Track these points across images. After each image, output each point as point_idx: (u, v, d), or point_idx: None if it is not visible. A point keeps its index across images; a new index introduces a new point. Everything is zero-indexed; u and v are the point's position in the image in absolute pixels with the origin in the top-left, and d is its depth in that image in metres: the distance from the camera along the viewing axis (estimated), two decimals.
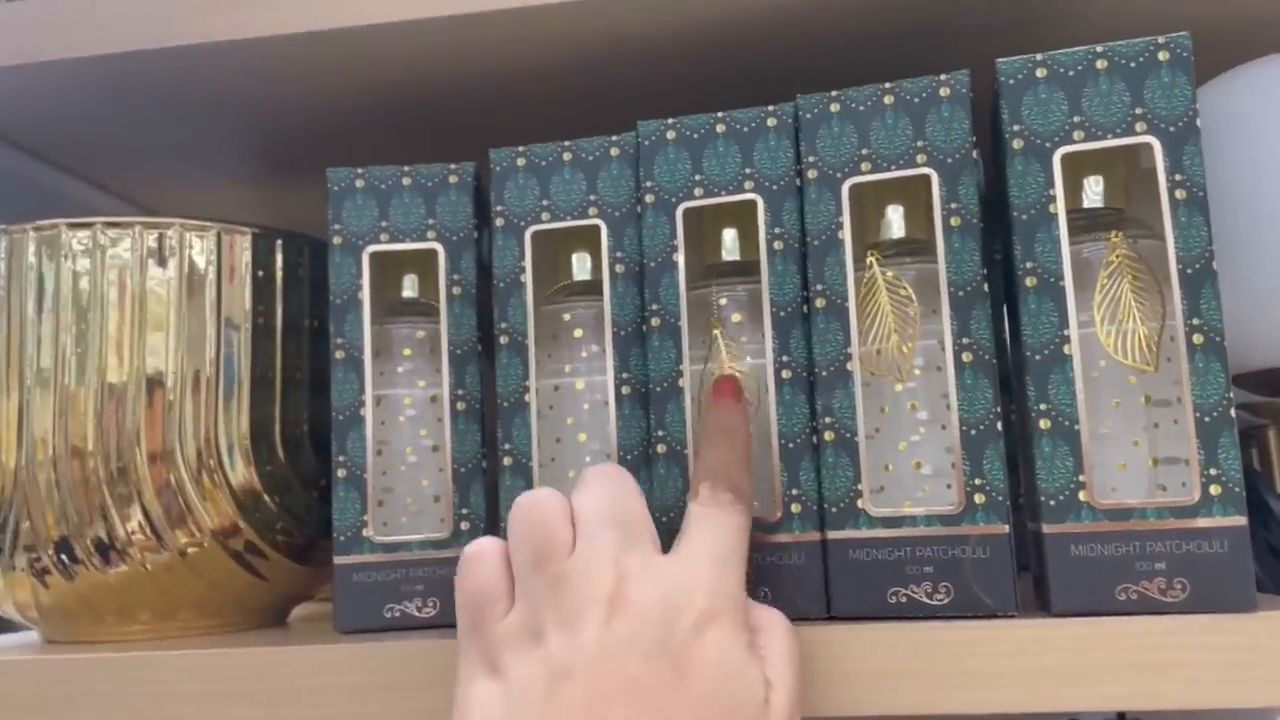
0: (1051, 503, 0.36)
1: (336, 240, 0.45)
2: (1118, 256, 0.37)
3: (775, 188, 0.41)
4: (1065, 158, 0.37)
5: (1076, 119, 0.37)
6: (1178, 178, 0.36)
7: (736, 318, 0.42)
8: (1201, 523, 0.35)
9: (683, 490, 0.40)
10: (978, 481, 0.37)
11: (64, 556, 0.44)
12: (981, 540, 0.37)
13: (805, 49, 0.48)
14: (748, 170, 0.41)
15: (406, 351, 0.47)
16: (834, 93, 0.40)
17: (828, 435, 0.39)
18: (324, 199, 0.46)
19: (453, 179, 0.46)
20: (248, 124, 0.54)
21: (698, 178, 0.42)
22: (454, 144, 0.55)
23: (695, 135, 0.42)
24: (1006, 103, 0.38)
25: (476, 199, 0.46)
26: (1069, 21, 0.46)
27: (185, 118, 0.53)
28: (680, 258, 0.41)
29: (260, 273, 0.48)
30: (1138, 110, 0.37)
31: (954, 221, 0.38)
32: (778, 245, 0.40)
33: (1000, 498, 0.37)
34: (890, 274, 0.40)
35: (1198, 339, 0.35)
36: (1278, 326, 0.42)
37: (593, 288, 0.44)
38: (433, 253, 0.46)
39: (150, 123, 0.53)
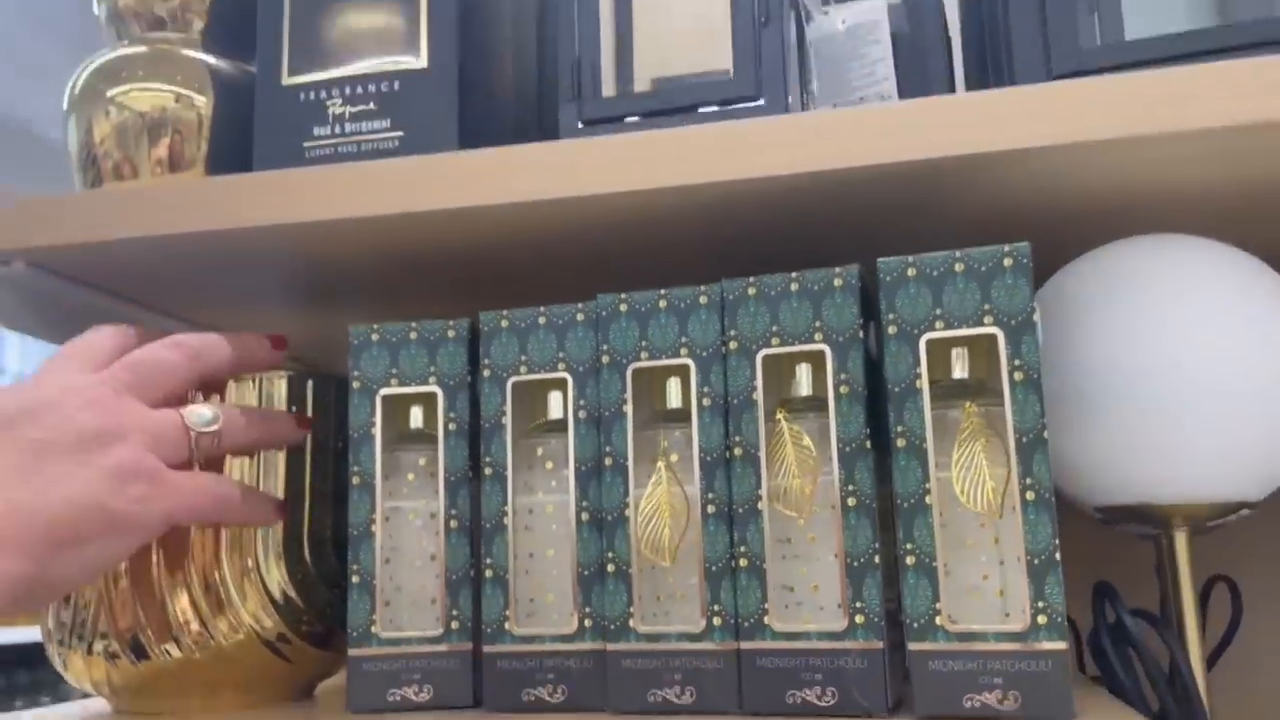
0: (915, 625, 0.45)
1: (355, 385, 0.56)
2: (972, 422, 0.46)
3: (704, 354, 0.50)
4: (931, 341, 0.46)
5: (938, 310, 0.46)
6: (1016, 363, 0.45)
7: (674, 457, 0.51)
8: (1031, 646, 0.43)
9: (627, 605, 0.49)
10: (858, 604, 0.46)
11: (131, 645, 0.54)
12: (861, 653, 0.45)
13: (724, 237, 0.57)
14: (683, 339, 0.50)
15: (411, 476, 0.56)
16: (750, 279, 0.50)
17: (742, 561, 0.48)
18: (340, 324, 0.56)
19: (450, 333, 0.56)
20: (291, 277, 0.65)
21: (644, 343, 0.51)
22: (456, 299, 0.65)
23: (643, 308, 0.51)
24: (884, 295, 0.47)
25: (470, 350, 0.56)
26: (942, 213, 0.55)
27: (242, 271, 0.63)
28: (629, 408, 0.51)
29: (294, 407, 0.58)
30: (986, 306, 0.45)
31: (843, 390, 0.47)
32: (706, 401, 0.50)
33: (876, 619, 0.46)
34: (795, 427, 0.49)
35: (1030, 495, 0.44)
36: (1133, 468, 0.50)
37: (562, 426, 0.53)
38: (434, 394, 0.55)
39: (211, 271, 0.64)
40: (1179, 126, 0.45)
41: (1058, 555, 0.43)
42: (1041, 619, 0.43)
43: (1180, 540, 0.52)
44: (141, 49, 0.64)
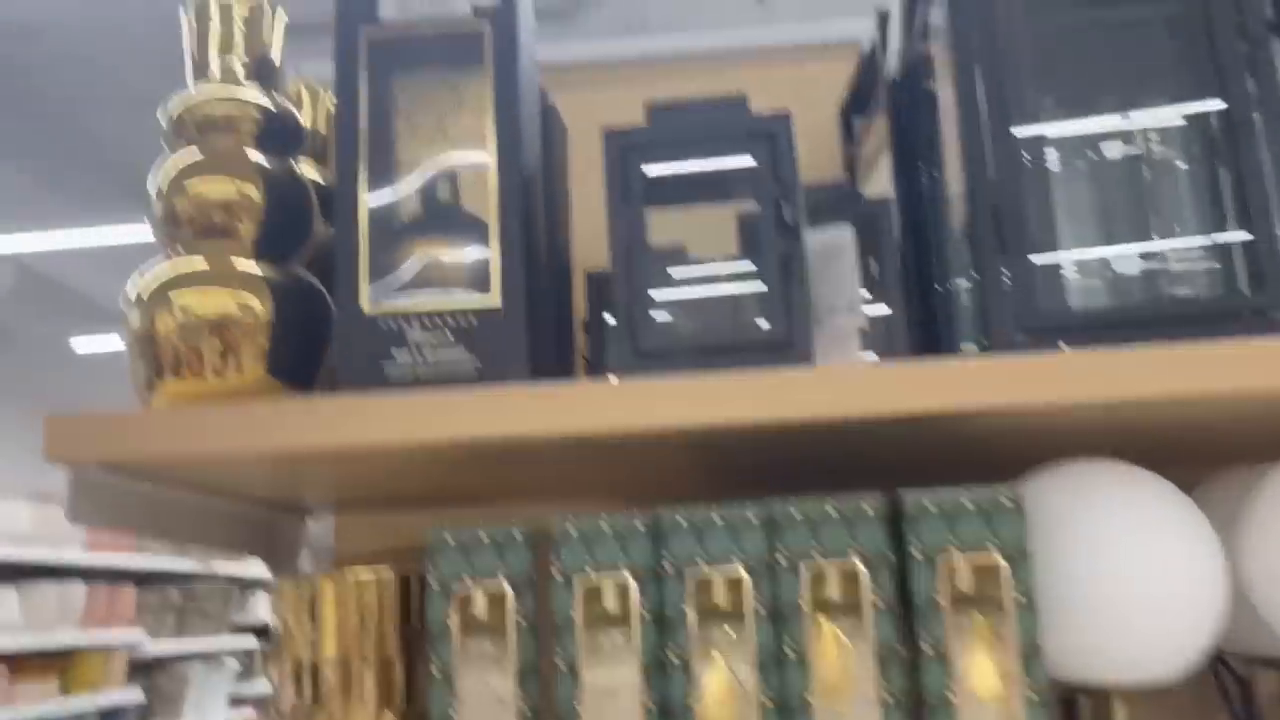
0: None
1: (435, 586, 0.62)
2: (981, 633, 0.58)
3: (756, 565, 0.60)
4: (948, 564, 0.58)
5: (953, 539, 0.58)
6: (1016, 587, 0.57)
7: (730, 655, 0.61)
8: None
9: None
10: None
11: None
12: None
13: (762, 462, 0.68)
14: (737, 552, 0.60)
15: (482, 665, 0.63)
16: (794, 501, 0.60)
17: None
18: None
19: (518, 536, 0.63)
20: (369, 488, 0.70)
21: (702, 553, 0.60)
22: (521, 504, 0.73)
23: (700, 522, 0.61)
24: (908, 525, 0.59)
25: (537, 552, 0.64)
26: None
27: (318, 481, 0.68)
28: (691, 612, 0.60)
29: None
30: (992, 538, 0.58)
31: (877, 601, 0.58)
32: (760, 610, 0.59)
33: None
34: (837, 630, 0.59)
35: (1033, 696, 0.56)
36: (1083, 656, 0.63)
37: (626, 620, 0.62)
38: (503, 594, 0.63)
39: (291, 479, 0.69)
40: (1099, 398, 0.60)
41: None
42: None
43: (1119, 708, 0.65)
44: (201, 259, 0.68)
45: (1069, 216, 0.69)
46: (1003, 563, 0.57)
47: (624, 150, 0.67)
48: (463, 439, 0.61)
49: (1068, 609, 0.62)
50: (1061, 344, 0.64)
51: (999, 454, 0.72)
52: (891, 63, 0.84)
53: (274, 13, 0.76)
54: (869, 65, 0.96)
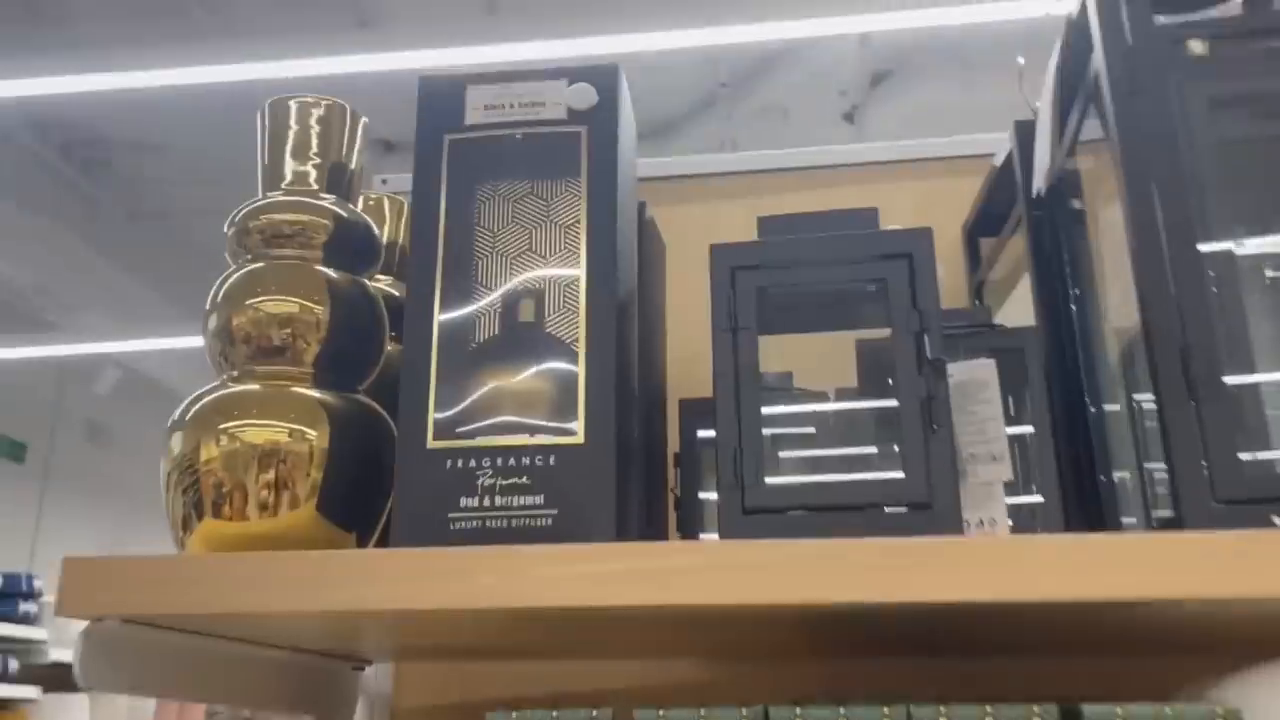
0: None
1: None
2: None
3: None
4: None
5: None
6: None
7: None
8: None
9: None
10: None
11: None
12: None
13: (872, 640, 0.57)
14: None
15: None
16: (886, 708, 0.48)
17: None
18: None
19: None
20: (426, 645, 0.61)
21: None
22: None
23: None
24: None
25: None
26: None
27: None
28: None
29: None
30: None
31: None
32: None
33: None
34: None
35: None
36: None
37: None
38: None
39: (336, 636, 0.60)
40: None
41: None
42: None
43: None
44: (255, 387, 0.61)
45: (1269, 356, 0.57)
46: None
47: (735, 267, 0.58)
48: (537, 607, 0.51)
49: None
50: (1276, 519, 0.52)
51: (1185, 639, 0.59)
52: (1036, 179, 0.75)
53: (354, 119, 0.70)
54: (1002, 181, 0.86)
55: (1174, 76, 0.60)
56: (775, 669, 0.81)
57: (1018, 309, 0.83)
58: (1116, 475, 0.66)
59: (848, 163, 0.96)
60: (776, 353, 0.71)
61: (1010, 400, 0.73)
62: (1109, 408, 0.70)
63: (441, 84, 0.62)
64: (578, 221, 0.59)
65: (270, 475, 0.59)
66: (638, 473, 0.63)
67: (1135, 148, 0.58)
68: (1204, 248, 0.57)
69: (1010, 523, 0.67)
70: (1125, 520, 0.65)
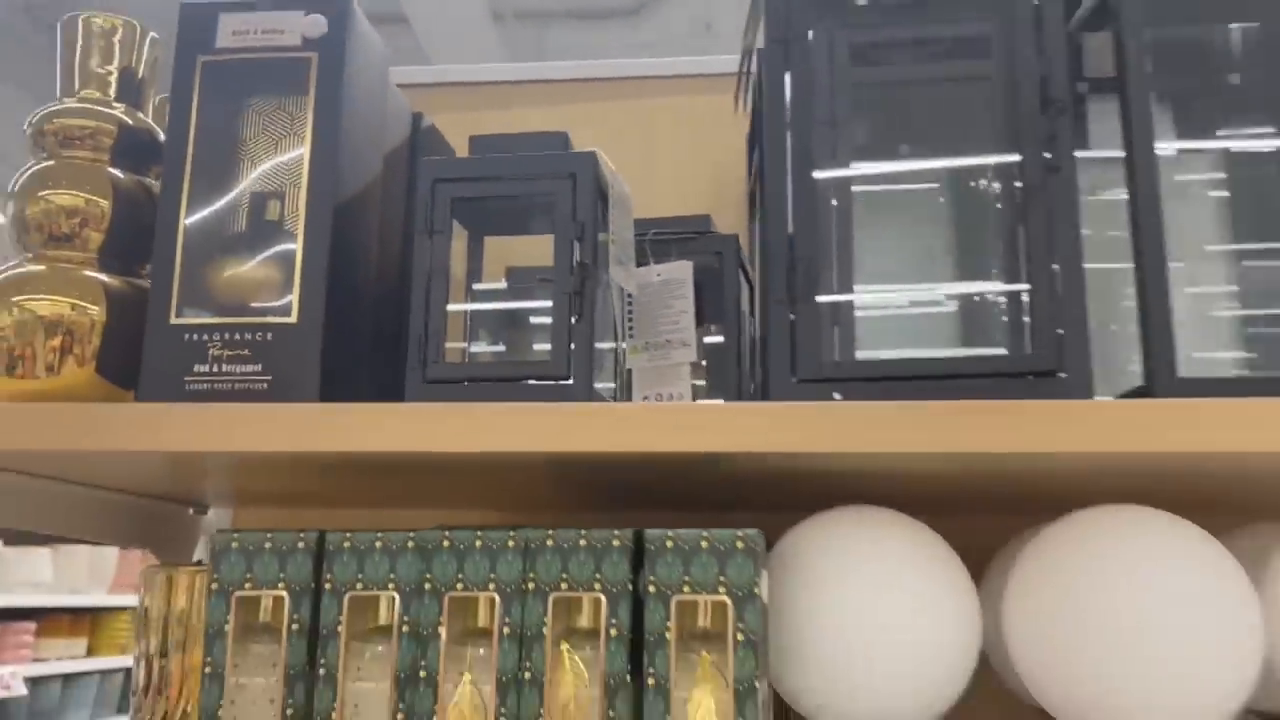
0: None
1: (214, 585, 0.66)
2: (706, 669, 0.59)
3: (509, 590, 0.62)
4: (680, 601, 0.60)
5: (687, 577, 0.60)
6: (740, 626, 0.59)
7: (477, 673, 0.63)
8: None
9: None
10: None
11: None
12: None
13: (534, 485, 0.71)
14: (492, 576, 0.63)
15: (258, 664, 0.66)
16: (549, 531, 0.62)
17: None
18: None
19: (300, 544, 0.67)
20: (156, 488, 0.74)
21: (460, 575, 0.63)
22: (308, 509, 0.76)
23: (461, 545, 0.63)
24: (647, 560, 0.60)
25: (317, 563, 0.67)
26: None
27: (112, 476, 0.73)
28: (443, 630, 0.63)
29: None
30: (721, 578, 0.59)
31: (613, 631, 0.60)
32: (506, 630, 0.62)
33: None
34: (575, 658, 0.61)
35: None
36: (831, 696, 0.65)
37: (389, 632, 0.65)
38: (282, 598, 0.66)
39: (97, 469, 0.73)
40: (871, 449, 0.61)
41: None
42: None
43: None
44: (42, 268, 0.73)
45: (863, 270, 0.70)
46: (729, 602, 0.59)
47: (436, 179, 0.70)
48: (248, 452, 0.64)
49: (813, 652, 0.64)
50: (836, 395, 0.65)
51: (791, 495, 0.74)
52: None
53: (143, 34, 0.80)
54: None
55: (826, 24, 0.71)
56: (555, 517, 0.96)
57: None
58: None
59: (631, 75, 1.06)
60: (524, 251, 0.83)
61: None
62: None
63: (198, 11, 0.72)
64: (306, 134, 0.70)
65: (56, 342, 0.72)
66: (346, 354, 0.74)
67: (774, 89, 0.70)
68: (820, 175, 0.69)
69: (692, 397, 0.80)
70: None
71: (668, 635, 0.60)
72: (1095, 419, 0.60)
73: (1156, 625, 0.59)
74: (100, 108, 0.77)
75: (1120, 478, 0.67)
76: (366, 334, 0.74)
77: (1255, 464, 0.62)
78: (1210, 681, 0.59)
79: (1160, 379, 0.62)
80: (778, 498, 0.75)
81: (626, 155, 0.87)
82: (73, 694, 4.00)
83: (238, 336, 0.67)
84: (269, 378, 0.67)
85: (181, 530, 1.05)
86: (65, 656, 4.03)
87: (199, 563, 0.93)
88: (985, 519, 0.82)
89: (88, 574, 4.16)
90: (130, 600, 4.23)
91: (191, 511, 1.06)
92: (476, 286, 0.78)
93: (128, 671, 4.26)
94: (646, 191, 0.90)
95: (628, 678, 0.60)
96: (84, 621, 4.17)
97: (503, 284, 0.83)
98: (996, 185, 0.69)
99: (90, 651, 4.18)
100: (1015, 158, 0.67)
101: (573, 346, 0.66)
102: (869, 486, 0.72)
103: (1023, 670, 0.65)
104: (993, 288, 0.68)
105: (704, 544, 0.60)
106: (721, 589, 0.59)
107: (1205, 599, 0.59)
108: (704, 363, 0.85)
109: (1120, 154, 0.66)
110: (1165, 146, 0.67)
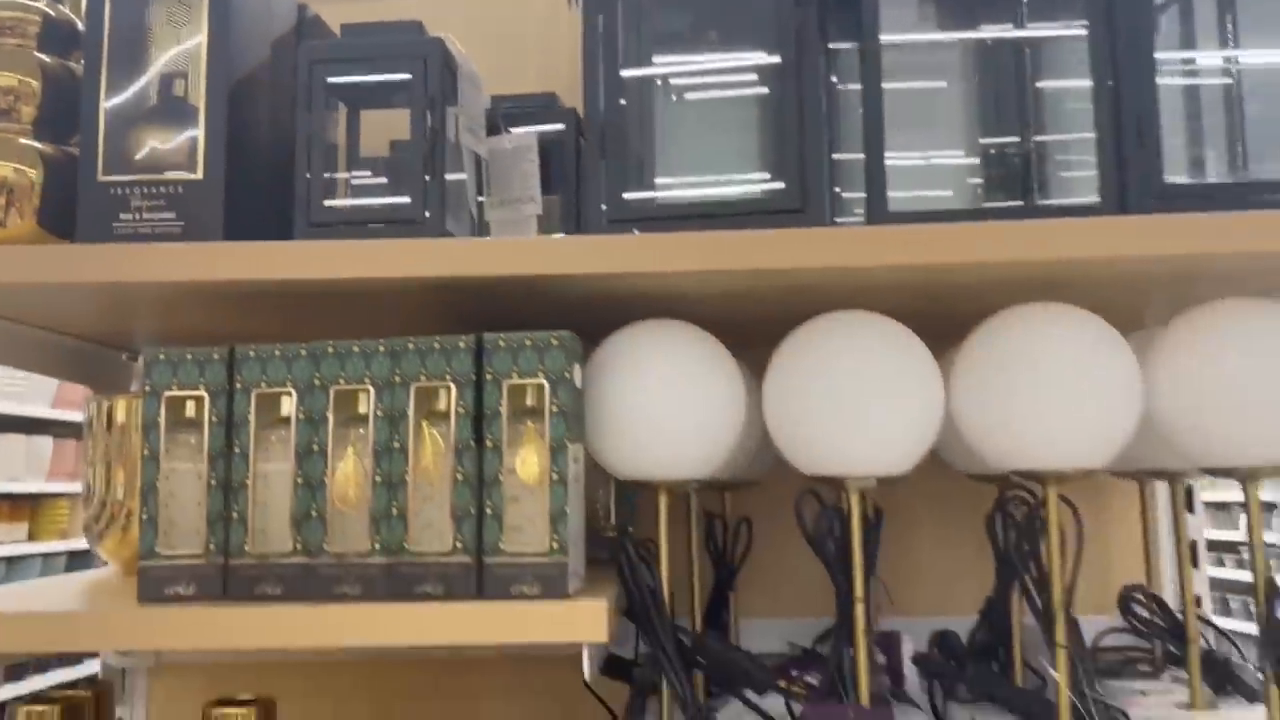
0: (488, 548, 0.78)
1: (147, 388, 0.83)
2: (531, 435, 0.79)
3: (380, 383, 0.81)
4: (511, 385, 0.79)
5: (515, 367, 0.79)
6: (554, 403, 0.78)
7: (359, 446, 0.82)
8: (550, 559, 0.77)
9: (322, 534, 0.80)
10: (459, 540, 0.78)
11: None
12: (461, 565, 0.78)
13: (402, 304, 0.89)
14: (367, 373, 0.81)
15: (186, 451, 0.85)
16: (411, 339, 0.81)
17: (394, 511, 0.80)
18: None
19: (216, 356, 0.84)
20: (99, 317, 0.91)
21: (342, 373, 0.81)
22: (224, 326, 0.94)
23: (344, 351, 0.81)
24: (485, 356, 0.79)
25: (229, 369, 0.84)
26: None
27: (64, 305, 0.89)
28: (330, 414, 0.81)
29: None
30: (540, 367, 0.78)
31: (460, 410, 0.80)
32: (379, 413, 0.81)
33: (468, 545, 0.78)
34: (433, 432, 0.80)
35: (555, 478, 0.78)
36: (627, 462, 0.85)
37: (289, 423, 0.83)
38: (202, 398, 0.84)
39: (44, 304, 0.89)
40: (661, 269, 0.80)
41: (566, 508, 0.77)
42: (556, 543, 0.77)
43: (663, 496, 0.87)
44: None
45: (661, 132, 0.88)
46: (546, 384, 0.78)
47: (312, 61, 0.86)
48: (166, 281, 0.81)
49: (616, 423, 0.84)
50: (634, 230, 0.84)
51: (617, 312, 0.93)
52: None
53: None
54: None
55: None
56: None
57: None
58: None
59: None
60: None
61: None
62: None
63: None
64: (202, 23, 0.85)
65: (2, 200, 0.87)
66: (246, 203, 0.89)
67: None
68: (632, 73, 0.86)
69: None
70: None
71: (501, 411, 0.79)
72: (826, 240, 0.79)
73: (1056, 381, 0.79)
74: (27, 0, 0.91)
75: (872, 291, 0.87)
76: (263, 191, 0.90)
77: (959, 275, 0.82)
78: (1097, 424, 0.79)
79: (875, 211, 0.82)
80: (600, 318, 0.94)
81: (484, 41, 1.03)
82: (16, 576, 4.16)
83: (155, 190, 0.84)
84: (182, 224, 0.83)
85: (116, 372, 1.21)
86: (7, 541, 4.17)
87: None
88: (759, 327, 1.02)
89: (25, 464, 4.28)
90: (70, 487, 4.37)
91: (125, 357, 1.22)
92: (361, 155, 0.95)
93: (71, 554, 4.43)
94: (503, 73, 1.06)
95: (472, 443, 0.79)
96: (24, 508, 4.30)
97: (377, 153, 0.99)
98: (768, 65, 0.87)
99: (31, 536, 4.32)
100: (775, 59, 0.85)
101: (427, 196, 0.84)
102: (670, 309, 0.91)
103: (964, 428, 0.84)
104: (755, 144, 0.86)
105: (528, 343, 0.79)
106: (540, 375, 0.79)
107: (1092, 364, 0.79)
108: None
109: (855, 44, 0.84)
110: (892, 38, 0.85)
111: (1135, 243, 0.79)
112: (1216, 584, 4.71)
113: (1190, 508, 1.14)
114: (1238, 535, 4.53)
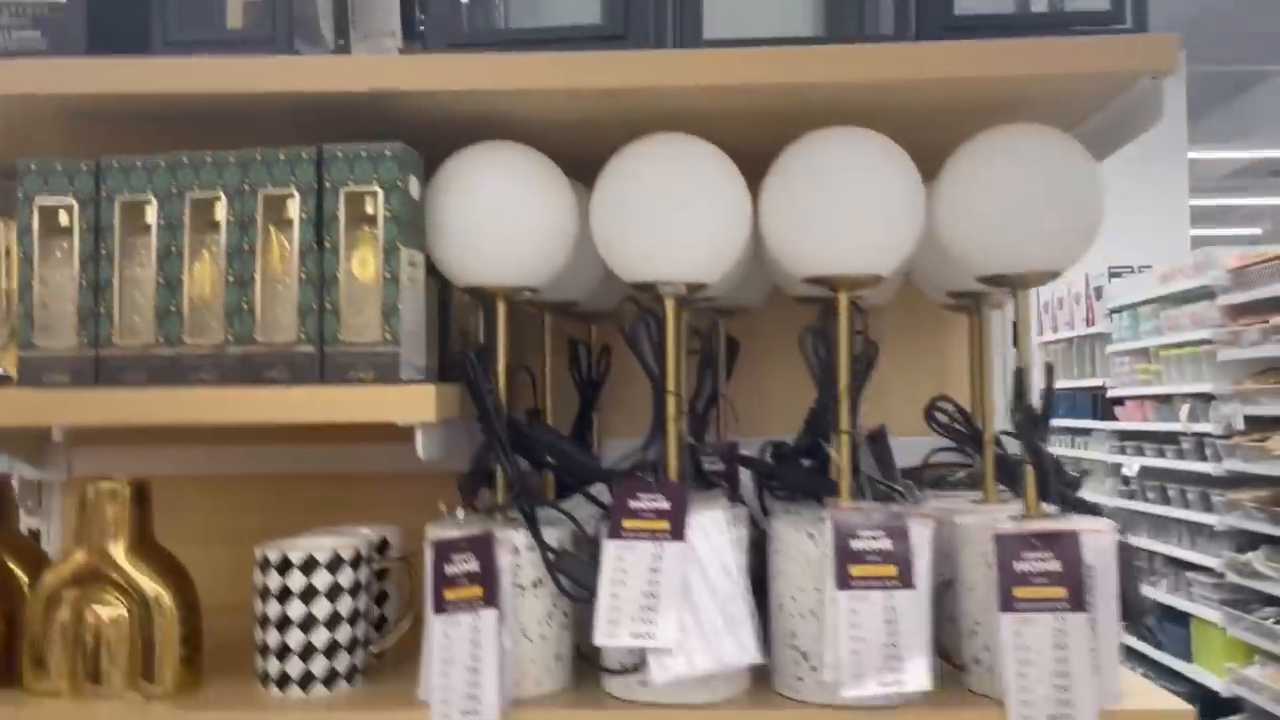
0: (327, 338, 0.87)
1: (20, 195, 0.90)
2: (369, 237, 0.87)
3: (233, 191, 0.88)
4: (348, 192, 0.87)
5: (351, 175, 0.86)
6: (386, 208, 0.86)
7: (213, 249, 0.90)
8: (385, 348, 0.86)
9: (179, 325, 0.88)
10: (303, 330, 0.87)
11: None
12: (307, 353, 0.87)
13: (264, 115, 0.95)
14: (220, 182, 0.89)
15: (59, 255, 0.92)
16: (259, 150, 0.88)
17: (247, 305, 0.88)
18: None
19: (83, 167, 0.91)
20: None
21: (197, 181, 0.89)
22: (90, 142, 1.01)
23: (197, 161, 0.89)
24: (326, 165, 0.87)
25: (96, 179, 0.91)
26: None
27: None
28: (186, 218, 0.89)
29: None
30: (374, 175, 0.86)
31: (304, 216, 0.87)
32: (231, 219, 0.88)
33: (311, 335, 0.87)
34: (280, 236, 0.88)
35: (388, 276, 0.86)
36: (474, 267, 0.93)
37: (150, 230, 0.90)
38: (71, 205, 0.91)
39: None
40: (507, 86, 0.87)
41: (398, 304, 0.86)
42: (389, 335, 0.86)
43: (500, 305, 0.95)
44: None
45: None
46: (380, 191, 0.86)
47: None
48: (33, 94, 0.88)
49: (454, 233, 0.92)
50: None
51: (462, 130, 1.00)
52: None
53: None
54: None
55: None
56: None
57: None
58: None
59: None
60: None
61: None
62: None
63: None
64: None
65: None
66: (107, 22, 0.95)
67: None
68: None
69: None
70: None
71: (339, 216, 0.87)
72: (639, 63, 0.87)
73: (842, 192, 0.87)
74: None
75: (694, 117, 0.94)
76: (124, 21, 0.96)
77: (767, 100, 0.90)
78: (880, 233, 0.88)
79: (690, 38, 0.89)
80: (447, 143, 1.01)
81: None
82: None
83: (22, 12, 0.89)
84: (48, 40, 0.90)
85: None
86: None
87: None
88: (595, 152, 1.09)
89: None
90: None
91: None
92: None
93: None
94: None
95: (314, 245, 0.87)
96: None
97: None
98: None
99: None
100: None
101: (275, 16, 0.90)
102: (513, 134, 0.98)
103: (769, 240, 0.92)
104: None
105: (364, 154, 0.87)
106: (375, 183, 0.86)
107: (875, 178, 0.87)
108: None
109: None
110: None
111: (922, 68, 0.87)
112: (1155, 473, 4.90)
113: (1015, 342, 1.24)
114: (1177, 426, 4.68)
